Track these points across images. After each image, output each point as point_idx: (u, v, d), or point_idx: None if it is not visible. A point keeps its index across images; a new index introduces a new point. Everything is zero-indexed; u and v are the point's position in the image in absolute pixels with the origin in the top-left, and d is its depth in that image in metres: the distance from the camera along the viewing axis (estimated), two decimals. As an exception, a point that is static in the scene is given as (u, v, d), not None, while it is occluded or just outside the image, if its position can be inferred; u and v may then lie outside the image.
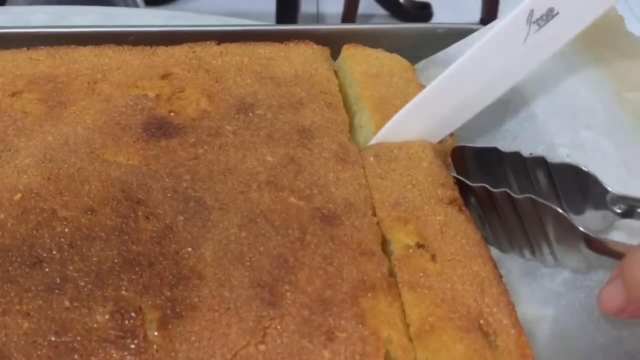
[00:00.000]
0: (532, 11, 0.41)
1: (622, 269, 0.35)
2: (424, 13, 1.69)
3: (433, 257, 0.38)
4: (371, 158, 0.43)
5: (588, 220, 0.41)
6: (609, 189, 0.39)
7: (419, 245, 0.38)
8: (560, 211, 0.38)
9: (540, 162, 0.42)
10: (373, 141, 0.45)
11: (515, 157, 0.43)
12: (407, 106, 0.45)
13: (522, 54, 0.42)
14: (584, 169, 0.41)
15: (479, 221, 0.43)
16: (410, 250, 0.38)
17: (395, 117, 0.45)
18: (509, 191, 0.40)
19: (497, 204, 0.42)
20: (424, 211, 0.40)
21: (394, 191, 0.41)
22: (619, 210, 0.39)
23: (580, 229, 0.38)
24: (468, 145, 0.46)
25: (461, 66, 0.43)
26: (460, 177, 0.43)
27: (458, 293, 0.36)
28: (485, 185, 0.42)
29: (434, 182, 0.42)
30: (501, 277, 0.37)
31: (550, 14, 0.41)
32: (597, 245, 0.38)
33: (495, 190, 0.41)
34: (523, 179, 0.44)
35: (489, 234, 0.44)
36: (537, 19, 0.41)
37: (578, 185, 0.41)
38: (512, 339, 0.34)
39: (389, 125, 0.45)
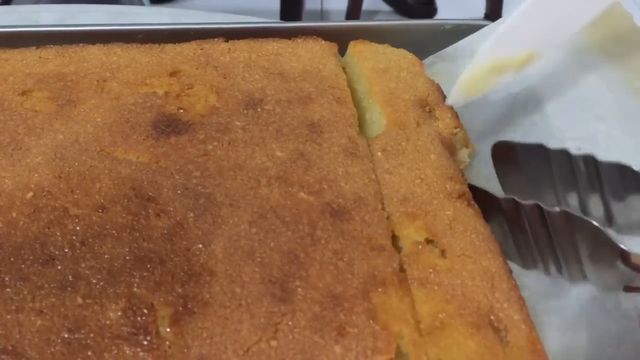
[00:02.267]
0: None
1: None
2: (429, 9, 1.68)
3: (442, 253, 0.38)
4: (379, 153, 0.43)
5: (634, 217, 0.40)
6: None
7: (428, 241, 0.38)
8: (597, 225, 0.36)
9: (589, 160, 0.40)
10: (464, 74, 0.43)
11: (562, 155, 0.41)
12: (515, 14, 0.42)
13: None
14: (635, 169, 0.39)
15: (502, 235, 0.41)
16: (420, 247, 0.38)
17: (503, 27, 0.42)
18: (541, 204, 0.38)
19: (526, 217, 0.40)
20: (432, 206, 0.40)
21: (402, 186, 0.41)
22: None
23: (620, 245, 0.36)
24: (511, 141, 0.43)
25: None
26: (485, 189, 0.41)
27: (468, 289, 0.36)
28: (514, 197, 0.39)
29: (443, 176, 0.42)
30: (511, 272, 0.37)
31: None
32: (636, 262, 0.36)
33: (524, 203, 0.39)
34: (569, 179, 0.42)
35: (511, 249, 0.42)
36: None
37: (624, 185, 0.39)
38: (523, 334, 0.34)
39: (494, 36, 0.42)
